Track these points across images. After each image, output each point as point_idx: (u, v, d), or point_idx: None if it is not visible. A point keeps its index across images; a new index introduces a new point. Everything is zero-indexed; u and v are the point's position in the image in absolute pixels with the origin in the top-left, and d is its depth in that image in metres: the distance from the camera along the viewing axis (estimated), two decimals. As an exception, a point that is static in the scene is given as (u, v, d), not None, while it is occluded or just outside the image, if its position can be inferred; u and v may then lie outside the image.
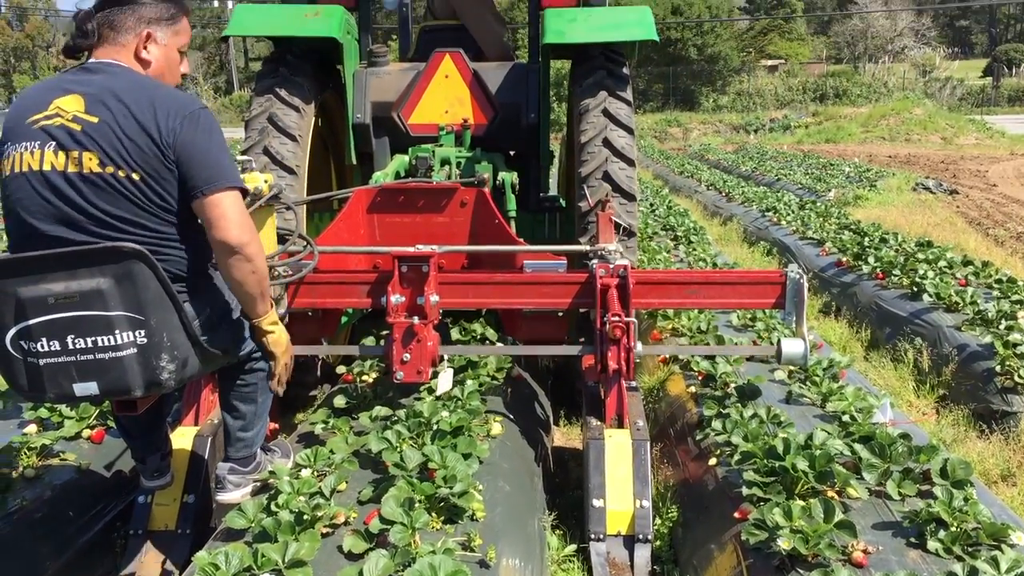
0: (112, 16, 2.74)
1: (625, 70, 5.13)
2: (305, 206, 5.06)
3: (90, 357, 2.53)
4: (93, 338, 2.51)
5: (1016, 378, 4.73)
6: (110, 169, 2.59)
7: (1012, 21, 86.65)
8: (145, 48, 2.77)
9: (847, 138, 32.48)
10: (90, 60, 2.75)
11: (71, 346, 2.51)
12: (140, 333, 2.55)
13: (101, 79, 2.65)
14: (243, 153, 4.90)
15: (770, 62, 52.34)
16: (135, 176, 2.61)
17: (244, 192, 2.80)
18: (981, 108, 43.52)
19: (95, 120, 2.58)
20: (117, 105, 2.59)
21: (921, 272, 6.62)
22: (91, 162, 2.58)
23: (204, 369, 2.86)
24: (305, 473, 3.22)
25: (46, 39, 56.29)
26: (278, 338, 3.00)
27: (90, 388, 2.57)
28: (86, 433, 3.81)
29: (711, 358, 4.54)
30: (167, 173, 2.64)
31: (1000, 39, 78.32)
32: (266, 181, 3.65)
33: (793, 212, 11.27)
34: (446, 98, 5.52)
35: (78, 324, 2.50)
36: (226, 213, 2.65)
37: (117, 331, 2.52)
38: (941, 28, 74.87)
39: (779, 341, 3.83)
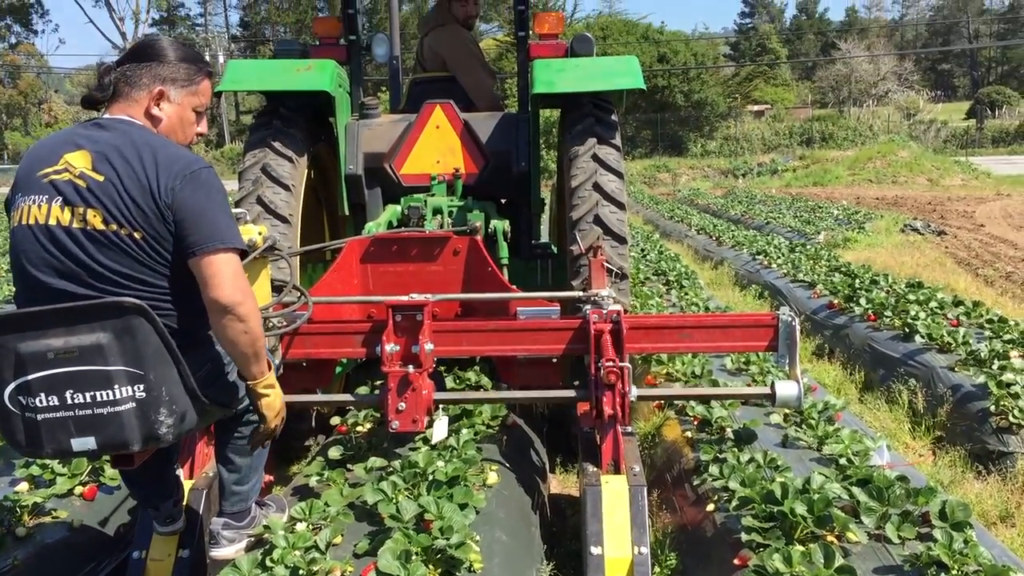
0: (129, 72, 2.78)
1: (613, 117, 5.19)
2: (299, 257, 5.07)
3: (88, 412, 2.51)
4: (92, 393, 2.50)
5: (1011, 418, 4.73)
6: (113, 227, 2.61)
7: (993, 64, 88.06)
8: (157, 105, 2.80)
9: (834, 181, 32.77)
10: (104, 115, 2.78)
11: (70, 401, 2.50)
12: (139, 387, 2.54)
13: (109, 136, 2.68)
14: (236, 204, 4.92)
15: (756, 107, 52.93)
16: (136, 235, 2.63)
17: (243, 254, 2.79)
18: (966, 149, 44.01)
19: (100, 178, 2.61)
20: (122, 164, 2.62)
21: (913, 313, 6.65)
22: (95, 219, 2.60)
23: (202, 423, 2.85)
24: (300, 527, 3.19)
25: (38, 96, 56.68)
26: (271, 402, 2.92)
27: (88, 443, 2.55)
28: (78, 490, 3.77)
29: (706, 402, 4.53)
30: (166, 232, 2.65)
31: (982, 81, 79.49)
32: (260, 233, 3.67)
33: (783, 255, 11.33)
34: (437, 148, 5.57)
35: (77, 379, 2.49)
36: (220, 271, 2.63)
37: (116, 386, 2.51)
38: (923, 72, 76.05)
39: (773, 384, 3.83)
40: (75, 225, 2.61)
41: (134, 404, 2.53)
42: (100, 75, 2.81)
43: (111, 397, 2.51)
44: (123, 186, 2.60)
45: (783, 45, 77.58)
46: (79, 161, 2.63)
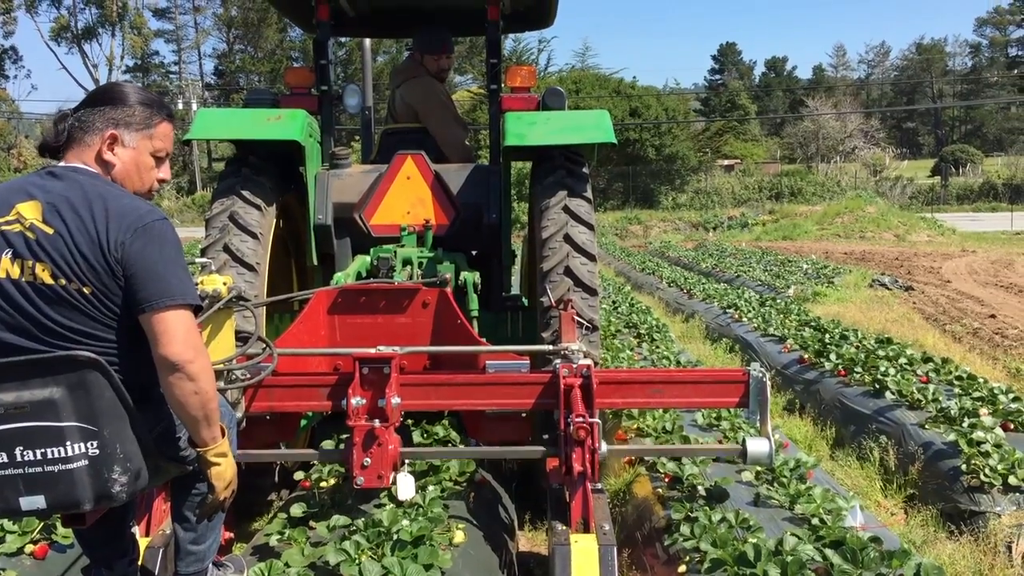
0: (84, 116, 2.72)
1: (584, 170, 5.20)
2: (265, 308, 4.99)
3: (39, 469, 2.42)
4: (43, 450, 2.41)
5: (982, 477, 4.70)
6: (62, 281, 2.53)
7: (956, 123, 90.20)
8: (110, 150, 2.72)
9: (803, 235, 33.14)
10: (59, 163, 2.71)
11: (19, 458, 2.40)
12: (92, 444, 2.45)
13: (61, 186, 2.61)
14: (202, 252, 4.85)
15: (726, 162, 53.64)
16: (86, 290, 2.55)
17: (196, 309, 2.71)
18: (931, 206, 44.73)
19: (50, 231, 2.54)
20: (72, 216, 2.55)
21: (883, 369, 6.66)
22: (43, 273, 2.53)
23: (157, 480, 2.76)
24: (259, 588, 3.08)
25: (7, 140, 56.30)
26: (222, 472, 2.79)
27: (37, 502, 2.45)
28: (29, 548, 3.63)
29: (677, 459, 4.48)
30: (116, 287, 2.57)
31: (946, 140, 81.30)
32: (225, 284, 3.61)
33: (754, 309, 11.37)
34: (408, 199, 5.53)
35: (28, 435, 2.40)
36: (169, 329, 2.54)
37: (68, 442, 2.42)
38: (889, 130, 77.74)
39: (744, 441, 3.80)
40: (25, 278, 2.53)
41: (87, 461, 2.44)
42: (55, 123, 2.75)
43: (63, 454, 2.41)
44: (72, 240, 2.53)
45: (752, 101, 79.11)
46: (30, 212, 2.56)
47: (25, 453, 2.40)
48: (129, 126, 2.74)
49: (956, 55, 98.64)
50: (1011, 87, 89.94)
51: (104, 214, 2.56)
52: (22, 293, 2.53)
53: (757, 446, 3.75)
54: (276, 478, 5.05)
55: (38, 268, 2.53)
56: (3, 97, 61.91)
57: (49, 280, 2.53)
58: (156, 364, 2.57)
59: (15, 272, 2.53)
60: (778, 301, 12.10)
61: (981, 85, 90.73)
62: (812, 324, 9.57)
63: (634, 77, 54.95)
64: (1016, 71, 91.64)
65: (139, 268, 2.55)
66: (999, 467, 4.71)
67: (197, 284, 3.29)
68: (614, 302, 12.27)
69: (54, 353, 2.48)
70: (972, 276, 18.49)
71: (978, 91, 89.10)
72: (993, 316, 12.51)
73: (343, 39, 37.52)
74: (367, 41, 8.18)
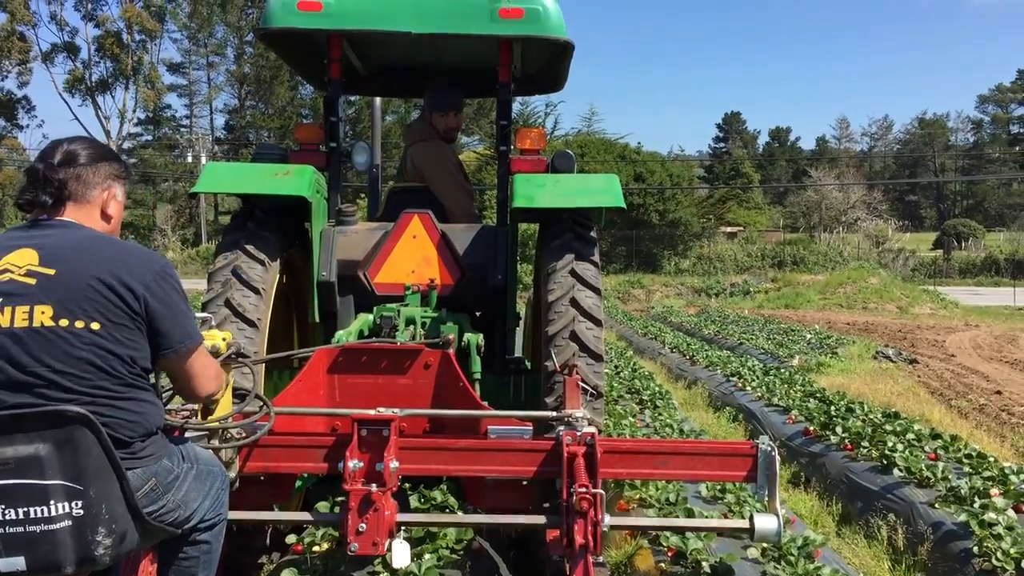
0: (80, 172, 2.70)
1: (592, 233, 5.16)
2: (264, 364, 4.91)
3: (20, 529, 2.34)
4: (25, 508, 2.34)
5: (994, 560, 4.56)
6: (64, 322, 2.48)
7: (958, 198, 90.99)
8: (111, 204, 2.79)
9: (806, 304, 33.14)
10: (46, 217, 2.67)
11: (1, 517, 2.32)
12: (77, 504, 2.37)
13: (59, 233, 2.60)
14: (204, 306, 4.79)
15: (729, 229, 53.94)
16: (94, 325, 2.51)
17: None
18: (934, 279, 44.81)
19: (51, 272, 2.51)
20: (78, 256, 2.54)
21: (890, 445, 6.52)
22: (43, 315, 2.48)
23: (143, 544, 2.66)
24: (245, 659, 2.95)
25: (16, 189, 56.71)
26: None
27: (16, 564, 2.36)
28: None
29: (681, 533, 4.35)
30: (131, 325, 2.58)
31: (948, 214, 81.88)
32: (224, 339, 3.55)
33: (758, 378, 11.25)
34: (413, 258, 5.48)
35: (11, 493, 2.32)
36: (197, 373, 2.84)
37: (52, 501, 2.35)
38: (891, 202, 78.35)
39: (751, 517, 3.69)
40: (18, 325, 2.48)
41: (70, 522, 2.36)
42: (40, 176, 2.74)
43: (46, 514, 2.34)
44: (81, 277, 2.53)
45: (756, 170, 79.86)
46: (22, 259, 2.55)
47: (7, 512, 2.33)
48: (120, 180, 2.91)
49: (958, 130, 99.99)
50: (1012, 163, 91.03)
51: (115, 255, 2.62)
52: (15, 341, 2.47)
53: (765, 523, 3.63)
54: (268, 540, 4.91)
55: (37, 311, 2.49)
56: (15, 146, 62.59)
57: (49, 322, 2.49)
58: (186, 396, 2.97)
59: (5, 321, 2.48)
60: (782, 370, 11.99)
61: (983, 161, 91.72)
62: (817, 395, 9.46)
63: (639, 143, 55.73)
64: (1018, 148, 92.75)
65: (166, 311, 2.67)
66: (1012, 551, 4.56)
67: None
68: (616, 367, 12.16)
69: (42, 408, 2.40)
70: (976, 351, 18.39)
71: (980, 166, 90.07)
72: (999, 392, 12.39)
73: (353, 97, 37.96)
74: (377, 100, 8.20)
